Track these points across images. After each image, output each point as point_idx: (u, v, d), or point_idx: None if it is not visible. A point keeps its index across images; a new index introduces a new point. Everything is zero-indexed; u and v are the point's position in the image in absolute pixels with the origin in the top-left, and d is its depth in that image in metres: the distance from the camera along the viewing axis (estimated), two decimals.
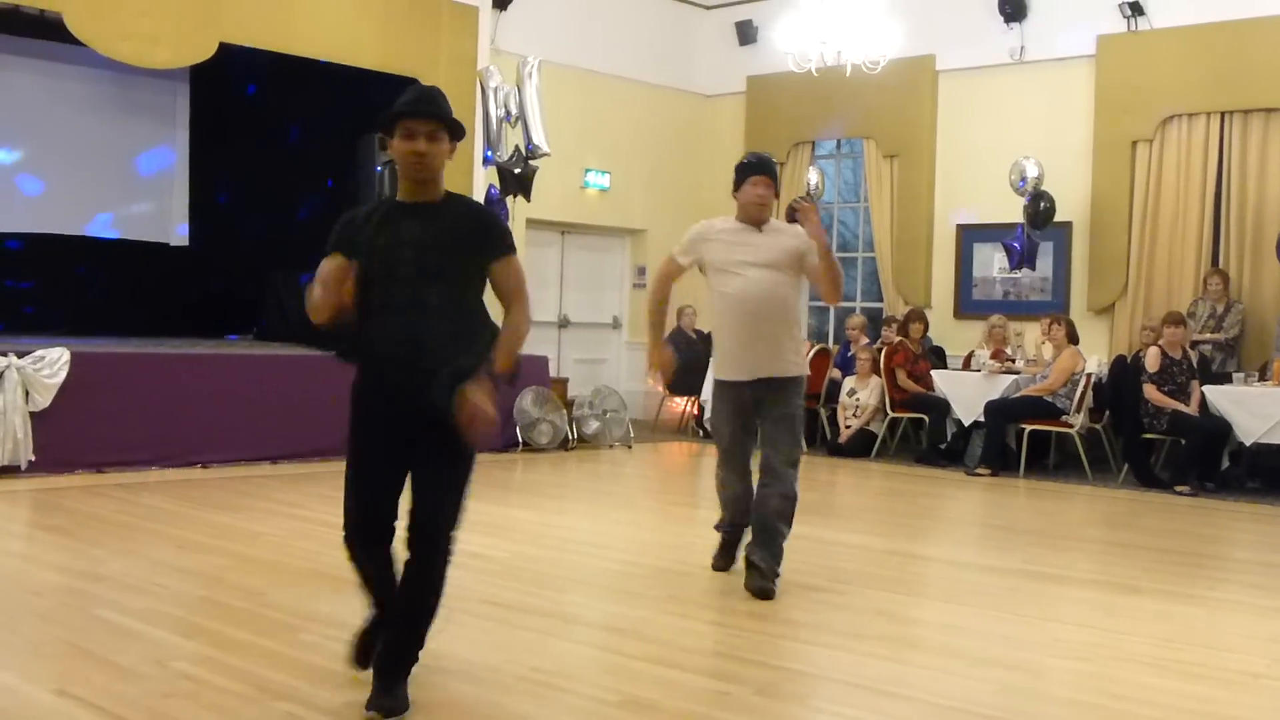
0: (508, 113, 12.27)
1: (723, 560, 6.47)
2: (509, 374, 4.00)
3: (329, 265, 3.98)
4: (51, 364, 8.93)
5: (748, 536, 6.13)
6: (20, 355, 8.82)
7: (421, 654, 4.14)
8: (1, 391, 8.65)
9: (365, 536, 4.07)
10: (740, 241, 6.00)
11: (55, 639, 4.86)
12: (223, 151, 13.55)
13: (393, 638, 4.09)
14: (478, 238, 4.07)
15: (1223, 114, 11.78)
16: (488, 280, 4.10)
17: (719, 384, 6.17)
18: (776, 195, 6.11)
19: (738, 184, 6.05)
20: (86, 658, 4.56)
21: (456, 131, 4.05)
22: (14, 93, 12.46)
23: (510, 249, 4.11)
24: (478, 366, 3.90)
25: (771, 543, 5.96)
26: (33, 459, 8.81)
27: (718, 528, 6.48)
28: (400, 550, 4.07)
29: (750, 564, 5.98)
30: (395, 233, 3.99)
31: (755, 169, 6.03)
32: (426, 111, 3.99)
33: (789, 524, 6.03)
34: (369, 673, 4.12)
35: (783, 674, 4.77)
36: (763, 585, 5.87)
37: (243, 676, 4.36)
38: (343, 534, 4.07)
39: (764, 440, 6.10)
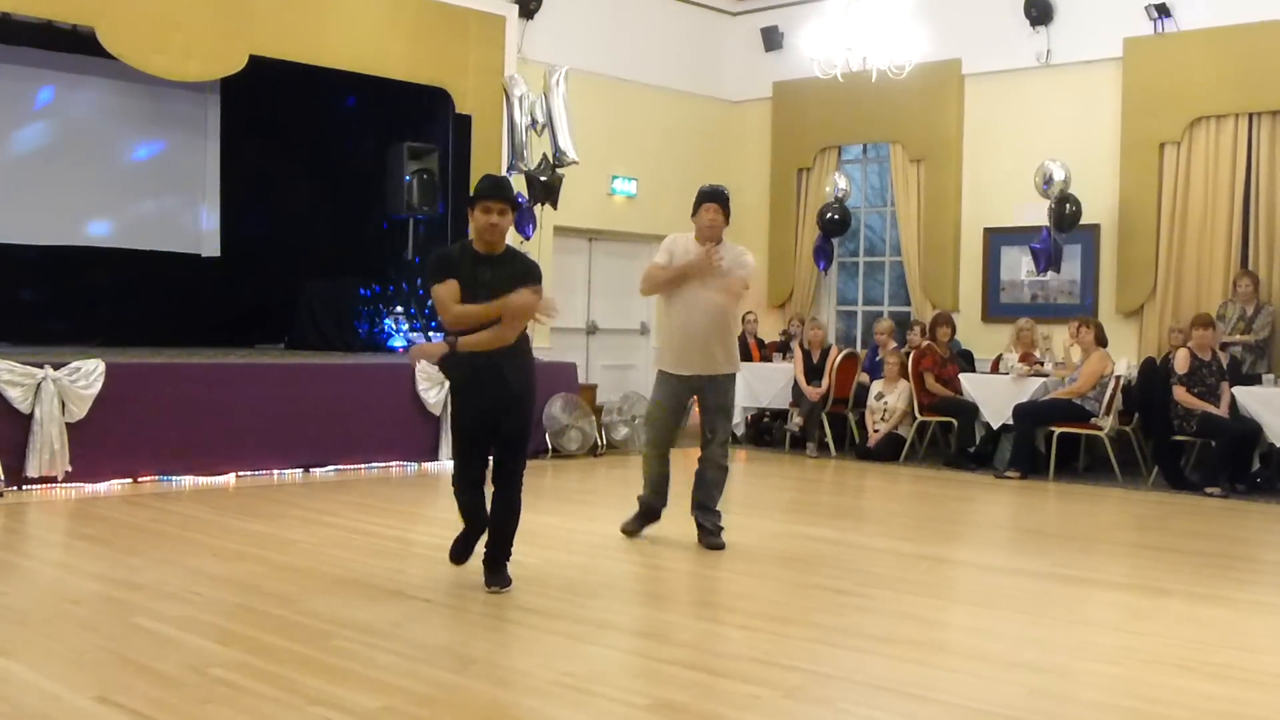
0: (534, 121, 12.36)
1: (638, 526, 7.60)
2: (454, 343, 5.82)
3: (451, 288, 5.73)
4: (87, 375, 9.04)
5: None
6: (56, 367, 8.93)
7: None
8: (38, 403, 8.77)
9: (471, 483, 6.08)
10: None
11: (95, 646, 4.94)
12: (253, 163, 13.68)
13: (495, 541, 6.06)
14: (524, 280, 5.82)
15: (1250, 115, 11.74)
16: None
17: (665, 374, 7.31)
18: (727, 220, 7.16)
19: (695, 209, 7.15)
20: (126, 665, 4.64)
21: (515, 207, 6.06)
22: (47, 105, 12.62)
23: (539, 283, 5.88)
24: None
25: (715, 508, 7.41)
26: (69, 469, 8.92)
27: (646, 500, 7.58)
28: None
29: (703, 527, 7.32)
30: (476, 276, 5.77)
31: (709, 197, 7.15)
32: (501, 195, 5.86)
33: (722, 491, 7.48)
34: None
35: (811, 677, 4.80)
36: (715, 541, 7.25)
37: (279, 683, 4.42)
38: (454, 481, 6.16)
39: (706, 425, 7.41)
